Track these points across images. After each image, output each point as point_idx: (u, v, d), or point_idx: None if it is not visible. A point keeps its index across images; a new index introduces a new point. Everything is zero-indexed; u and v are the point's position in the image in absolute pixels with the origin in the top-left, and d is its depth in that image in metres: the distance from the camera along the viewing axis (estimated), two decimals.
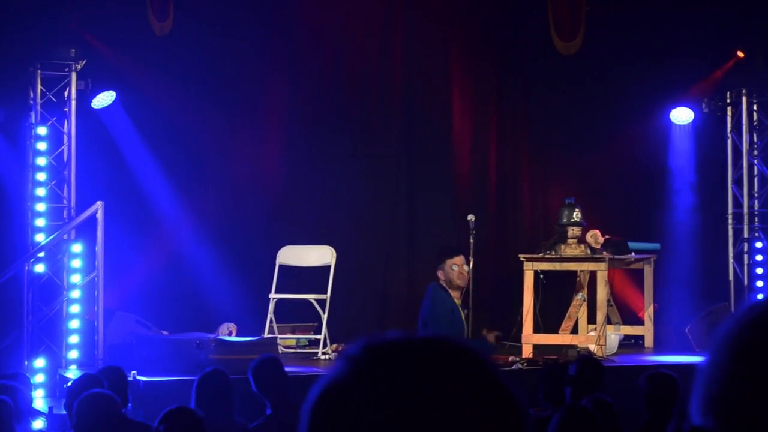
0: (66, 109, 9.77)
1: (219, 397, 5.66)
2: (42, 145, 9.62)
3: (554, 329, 10.32)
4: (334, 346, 9.88)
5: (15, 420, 5.14)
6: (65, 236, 9.53)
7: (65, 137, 9.76)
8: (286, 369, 6.24)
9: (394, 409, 1.02)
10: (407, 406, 1.02)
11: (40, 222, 9.53)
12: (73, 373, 8.71)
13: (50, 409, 7.75)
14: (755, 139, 11.32)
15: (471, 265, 10.10)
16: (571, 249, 9.86)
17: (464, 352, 1.08)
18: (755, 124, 11.32)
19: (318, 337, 9.99)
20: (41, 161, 9.61)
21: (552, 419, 4.60)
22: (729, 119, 11.39)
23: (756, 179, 11.34)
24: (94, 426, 4.94)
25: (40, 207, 9.57)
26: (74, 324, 9.42)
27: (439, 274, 7.16)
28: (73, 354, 9.36)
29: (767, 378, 1.07)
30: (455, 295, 7.15)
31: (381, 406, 1.02)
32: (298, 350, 10.19)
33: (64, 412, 6.06)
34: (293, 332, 10.43)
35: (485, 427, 1.04)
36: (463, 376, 1.05)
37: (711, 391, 1.11)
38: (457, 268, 7.09)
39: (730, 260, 11.21)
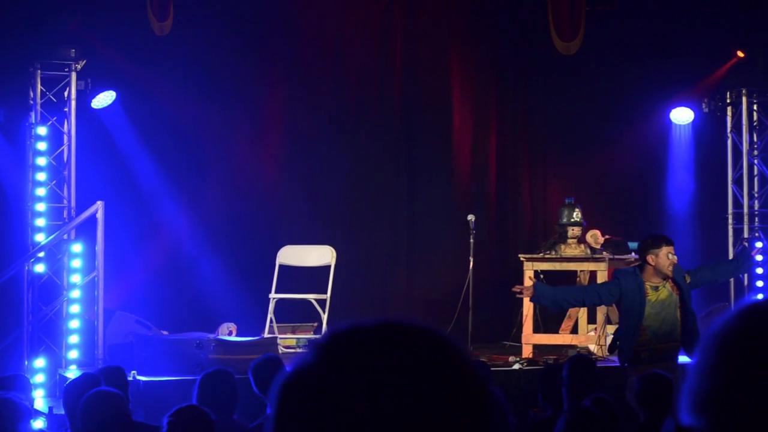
0: (66, 109, 9.77)
1: (221, 397, 5.65)
2: (42, 145, 9.61)
3: (554, 329, 10.33)
4: None
5: (17, 420, 5.13)
6: (65, 236, 9.53)
7: (65, 137, 9.76)
8: (287, 369, 6.23)
9: (358, 392, 1.04)
10: (370, 389, 1.04)
11: (40, 222, 9.53)
12: (73, 373, 8.70)
13: (50, 409, 7.74)
14: (755, 139, 11.31)
15: (471, 265, 10.10)
16: (571, 249, 9.85)
17: (427, 335, 1.09)
18: (755, 124, 11.32)
19: (318, 337, 9.99)
20: (41, 161, 9.61)
21: (558, 422, 4.57)
22: (729, 119, 11.39)
23: (756, 179, 11.33)
24: (101, 424, 4.93)
25: (40, 207, 9.57)
26: (74, 324, 9.41)
27: (649, 259, 7.18)
28: (73, 354, 9.35)
29: (757, 378, 1.08)
30: (655, 281, 7.18)
31: (345, 390, 1.05)
32: (299, 350, 10.18)
33: (64, 412, 6.05)
34: (293, 332, 10.43)
35: (448, 407, 1.05)
36: (425, 358, 1.07)
37: (701, 390, 1.11)
38: (671, 257, 7.13)
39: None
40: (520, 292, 7.75)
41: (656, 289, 7.20)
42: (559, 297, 7.60)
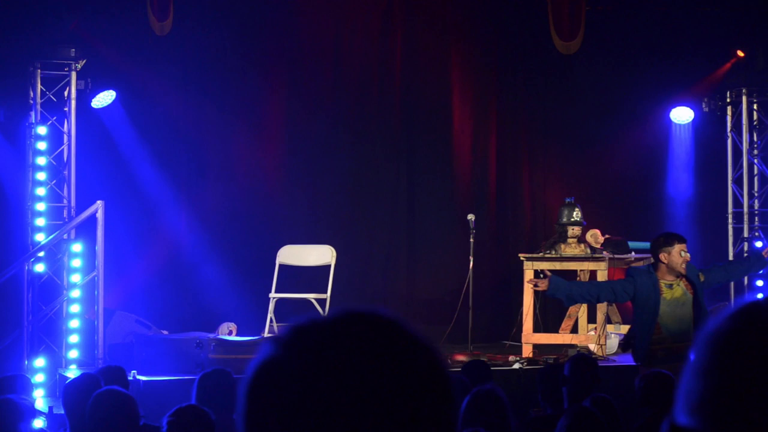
0: (66, 109, 9.77)
1: (219, 397, 5.65)
2: (42, 145, 9.62)
3: (554, 329, 10.33)
4: None
5: (18, 420, 5.13)
6: (65, 236, 9.53)
7: (65, 137, 9.76)
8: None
9: (322, 382, 1.08)
10: (334, 379, 1.08)
11: (40, 221, 9.53)
12: (73, 372, 8.71)
13: (50, 408, 7.74)
14: (755, 138, 11.32)
15: (471, 265, 10.10)
16: (571, 248, 9.86)
17: (386, 323, 1.13)
18: (755, 123, 11.32)
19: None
20: (41, 161, 9.61)
21: (558, 423, 4.57)
22: (729, 119, 11.39)
23: (756, 179, 11.33)
24: (109, 424, 4.92)
25: (40, 206, 9.57)
26: (74, 324, 9.42)
27: (662, 257, 7.20)
28: (73, 354, 9.36)
29: (753, 378, 1.08)
30: (669, 279, 7.20)
31: (309, 381, 1.08)
32: None
33: (63, 412, 6.05)
34: None
35: (410, 390, 1.09)
36: (385, 346, 1.11)
37: (694, 390, 1.12)
38: (684, 254, 7.15)
39: (731, 259, 11.20)
40: (536, 285, 7.75)
41: (671, 287, 7.21)
42: (574, 291, 7.60)
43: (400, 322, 1.15)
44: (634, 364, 8.25)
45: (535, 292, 9.66)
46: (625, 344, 7.53)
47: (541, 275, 7.71)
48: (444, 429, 1.11)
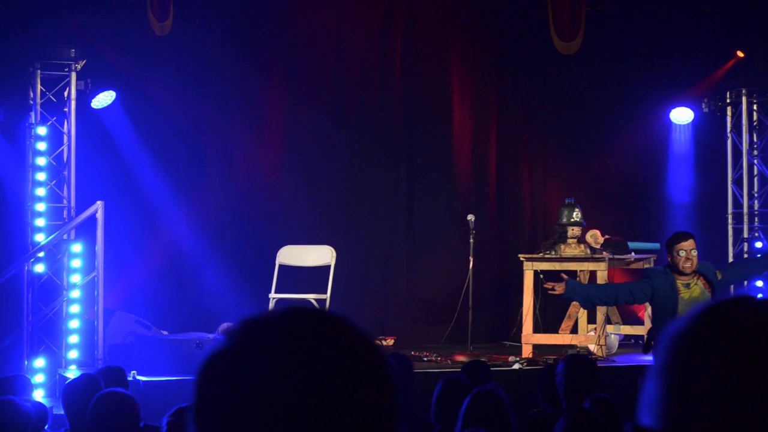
0: (66, 109, 9.77)
1: None
2: (42, 145, 9.62)
3: (554, 329, 10.33)
4: None
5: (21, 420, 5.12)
6: (65, 236, 9.53)
7: (65, 137, 9.76)
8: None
9: (265, 372, 1.11)
10: (276, 369, 1.11)
11: (40, 222, 9.53)
12: (73, 373, 8.71)
13: (50, 409, 7.73)
14: (755, 138, 11.32)
15: (471, 265, 10.10)
16: (571, 249, 9.85)
17: (328, 318, 1.18)
18: (755, 124, 11.32)
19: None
20: (41, 161, 9.62)
21: (557, 424, 4.56)
22: (729, 119, 11.39)
23: (756, 179, 11.33)
24: (112, 426, 4.92)
25: (40, 207, 9.57)
26: (74, 324, 9.42)
27: (668, 258, 7.25)
28: (73, 354, 9.36)
29: (713, 381, 1.08)
30: (684, 278, 7.20)
31: (254, 371, 1.12)
32: None
33: (63, 412, 6.05)
34: None
35: (353, 381, 1.13)
36: (327, 339, 1.15)
37: (654, 390, 1.12)
38: (684, 254, 7.14)
39: (730, 260, 11.20)
40: (552, 288, 7.75)
41: (688, 286, 7.22)
42: (591, 294, 7.59)
43: (346, 318, 1.18)
44: (634, 364, 8.27)
45: (535, 292, 9.68)
46: (646, 345, 7.54)
47: (541, 276, 7.71)
48: (387, 421, 1.15)
